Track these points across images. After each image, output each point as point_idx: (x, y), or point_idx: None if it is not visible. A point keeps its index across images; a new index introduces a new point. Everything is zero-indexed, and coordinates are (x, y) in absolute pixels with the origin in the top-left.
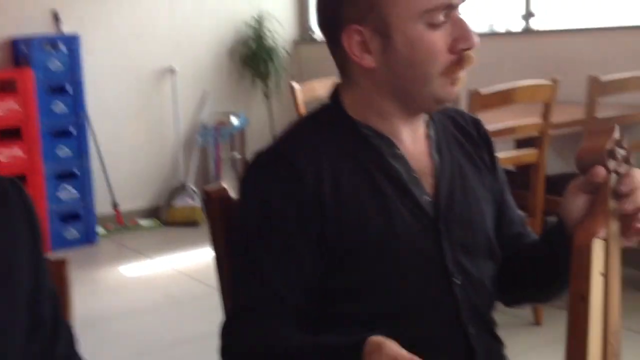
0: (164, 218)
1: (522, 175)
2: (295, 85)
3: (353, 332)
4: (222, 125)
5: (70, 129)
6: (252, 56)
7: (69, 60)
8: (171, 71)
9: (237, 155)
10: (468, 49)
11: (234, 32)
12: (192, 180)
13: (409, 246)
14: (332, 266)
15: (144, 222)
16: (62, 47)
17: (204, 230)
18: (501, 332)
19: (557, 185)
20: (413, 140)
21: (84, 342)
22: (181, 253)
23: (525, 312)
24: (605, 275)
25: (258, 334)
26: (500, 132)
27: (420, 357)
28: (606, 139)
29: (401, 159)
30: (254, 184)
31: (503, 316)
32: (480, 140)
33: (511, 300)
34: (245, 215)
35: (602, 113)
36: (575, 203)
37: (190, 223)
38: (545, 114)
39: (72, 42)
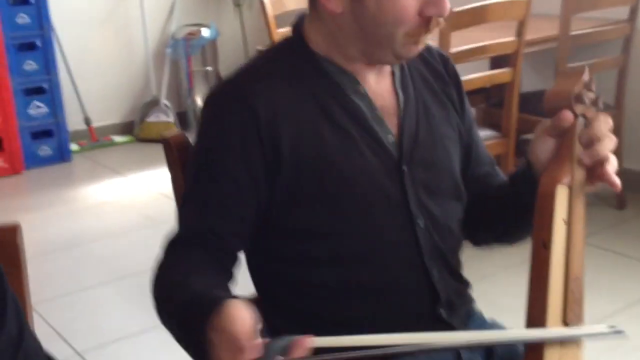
0: (138, 134)
1: (497, 92)
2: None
3: (315, 273)
4: (192, 37)
5: (36, 42)
6: None
7: None
8: None
9: (210, 68)
10: (439, 16)
11: None
12: (165, 95)
13: (371, 186)
14: (291, 205)
15: (118, 139)
16: None
17: None
18: (475, 251)
19: (531, 102)
20: (377, 77)
21: (63, 265)
22: (156, 171)
23: None
24: (569, 223)
25: (173, 263)
26: (474, 52)
27: (383, 299)
28: (574, 82)
29: (364, 96)
30: (208, 116)
31: None
32: (448, 78)
33: (479, 241)
34: (197, 145)
35: (575, 28)
36: (543, 147)
37: None
38: (519, 31)
39: None
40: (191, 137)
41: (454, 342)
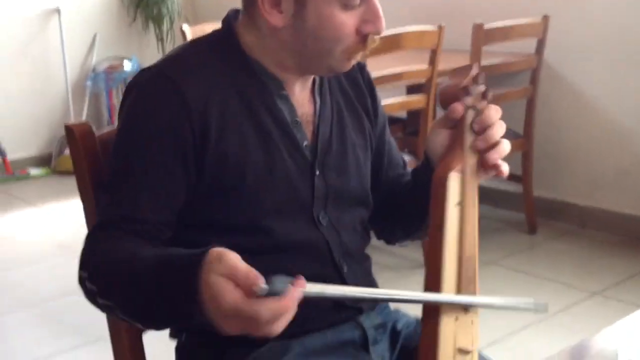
0: (56, 167)
1: (413, 121)
2: (186, 27)
3: None
4: (113, 70)
5: None
6: None
7: None
8: (57, 12)
9: None
10: (375, 34)
11: None
12: None
13: (284, 186)
14: (210, 197)
15: (34, 171)
16: None
17: None
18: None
19: None
20: (302, 85)
21: None
22: (72, 202)
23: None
24: (461, 207)
25: (108, 248)
26: (388, 78)
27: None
28: (463, 77)
29: (287, 101)
30: (135, 102)
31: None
32: (363, 85)
33: (391, 239)
34: (125, 131)
35: (486, 61)
36: (438, 139)
37: None
38: (432, 60)
39: None
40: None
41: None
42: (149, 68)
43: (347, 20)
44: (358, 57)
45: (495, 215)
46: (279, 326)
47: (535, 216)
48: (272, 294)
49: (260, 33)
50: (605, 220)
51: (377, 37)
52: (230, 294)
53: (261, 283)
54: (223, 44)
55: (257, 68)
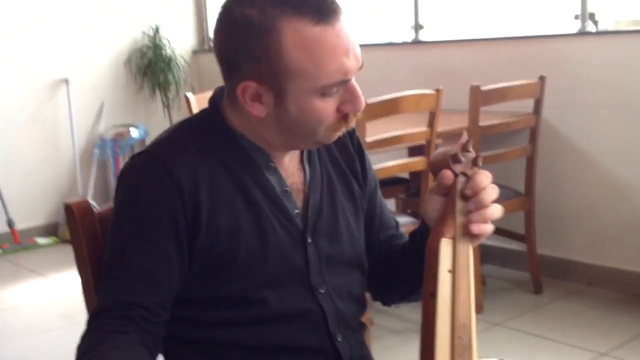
0: (63, 235)
1: (415, 182)
2: (190, 95)
3: (222, 333)
4: (120, 137)
5: None
6: (150, 66)
7: None
8: (65, 82)
9: None
10: (355, 112)
11: (131, 42)
12: (92, 196)
13: (278, 257)
14: (205, 273)
15: (41, 241)
16: None
17: None
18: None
19: None
20: (290, 155)
21: None
22: None
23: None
24: (454, 272)
25: (91, 343)
26: (389, 141)
27: (289, 358)
28: (453, 145)
29: (275, 172)
30: (128, 187)
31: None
32: (353, 150)
33: (387, 301)
34: (120, 216)
35: (485, 121)
36: (432, 205)
37: None
38: (431, 122)
39: None
40: None
41: None
42: (139, 153)
43: (327, 106)
44: (343, 130)
45: (502, 275)
46: None
47: (541, 275)
48: None
49: (244, 116)
50: (609, 277)
51: (358, 114)
52: None
53: None
54: (210, 122)
55: (244, 143)
